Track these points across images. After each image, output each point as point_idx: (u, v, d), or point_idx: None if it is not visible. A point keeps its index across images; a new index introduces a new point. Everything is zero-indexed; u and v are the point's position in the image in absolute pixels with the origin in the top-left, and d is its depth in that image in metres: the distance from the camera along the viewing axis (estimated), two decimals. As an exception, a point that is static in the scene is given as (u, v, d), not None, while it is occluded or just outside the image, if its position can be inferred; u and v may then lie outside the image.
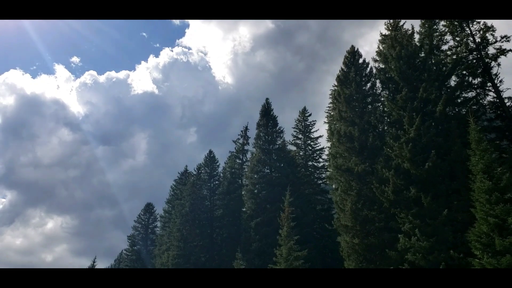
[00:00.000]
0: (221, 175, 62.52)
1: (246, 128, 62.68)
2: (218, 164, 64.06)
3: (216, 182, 62.24)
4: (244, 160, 61.48)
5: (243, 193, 57.09)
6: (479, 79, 33.88)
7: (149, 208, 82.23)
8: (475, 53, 34.29)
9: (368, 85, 36.41)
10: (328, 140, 40.93)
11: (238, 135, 62.68)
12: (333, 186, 38.23)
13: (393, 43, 33.59)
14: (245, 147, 61.92)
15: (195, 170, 64.89)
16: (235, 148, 62.47)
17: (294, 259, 33.25)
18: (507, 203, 20.44)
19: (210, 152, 64.93)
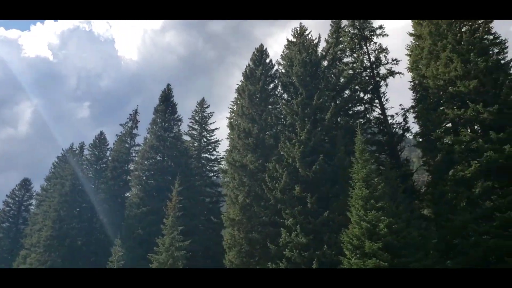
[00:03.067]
0: (110, 158, 59.64)
1: (136, 112, 60.52)
2: (108, 146, 60.97)
3: (104, 165, 59.24)
4: (132, 144, 59.41)
5: (129, 178, 55.16)
6: (368, 95, 36.71)
7: (25, 184, 74.80)
8: (368, 70, 37.08)
9: (272, 85, 37.39)
10: (227, 137, 41.23)
11: (127, 118, 60.27)
12: (226, 179, 38.57)
13: (300, 48, 34.81)
14: (134, 131, 59.80)
15: (77, 149, 60.95)
16: (121, 132, 60.02)
17: (176, 249, 32.91)
18: (379, 210, 22.33)
19: (101, 133, 61.53)
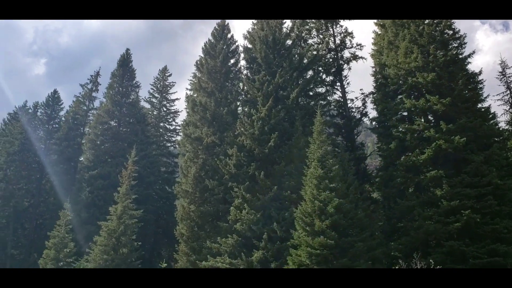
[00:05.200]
0: (63, 119, 57.47)
1: (98, 74, 58.14)
2: (62, 106, 58.59)
3: (56, 125, 57.10)
4: (91, 107, 57.46)
5: (83, 142, 53.67)
6: (331, 78, 37.18)
7: (-30, 139, 71.40)
8: (333, 53, 37.43)
9: (232, 61, 36.94)
10: (186, 108, 40.77)
11: (88, 79, 57.92)
12: (182, 151, 38.32)
13: (263, 26, 34.52)
14: (94, 94, 57.75)
15: (31, 108, 58.39)
16: (80, 93, 57.91)
17: (128, 217, 32.65)
18: (332, 191, 22.95)
19: (55, 92, 58.89)
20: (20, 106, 61.02)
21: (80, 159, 51.53)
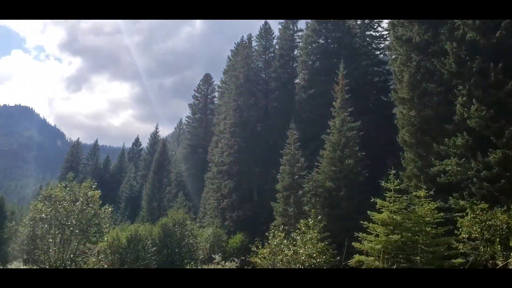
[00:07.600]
0: (277, 46, 61.55)
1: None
2: (273, 35, 62.57)
3: (271, 54, 61.65)
4: (295, 29, 59.66)
5: (295, 65, 56.60)
6: None
7: (207, 79, 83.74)
8: None
9: None
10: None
11: (286, 4, 59.81)
12: (393, 56, 36.74)
13: None
14: (294, 16, 59.48)
15: (246, 41, 63.92)
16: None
17: (347, 129, 33.96)
18: None
19: (266, 23, 63.06)
20: (238, 42, 67.65)
21: (295, 81, 54.89)
